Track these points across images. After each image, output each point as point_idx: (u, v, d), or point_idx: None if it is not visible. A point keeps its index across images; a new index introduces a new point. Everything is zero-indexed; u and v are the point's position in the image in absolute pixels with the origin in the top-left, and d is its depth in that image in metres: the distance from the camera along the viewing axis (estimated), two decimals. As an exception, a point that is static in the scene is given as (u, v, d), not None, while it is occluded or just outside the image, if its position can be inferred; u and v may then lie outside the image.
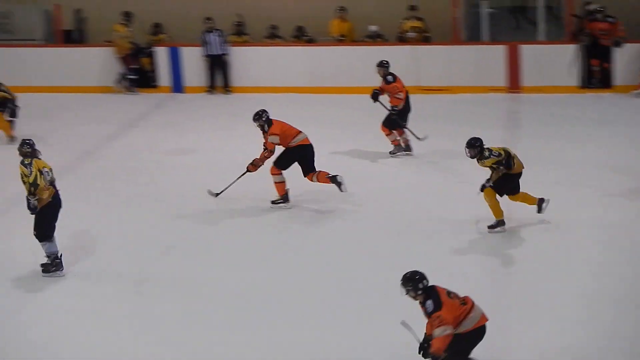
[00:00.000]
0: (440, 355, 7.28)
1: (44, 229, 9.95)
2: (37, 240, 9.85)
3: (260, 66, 17.64)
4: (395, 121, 13.47)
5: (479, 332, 7.58)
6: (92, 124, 15.89)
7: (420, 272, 7.54)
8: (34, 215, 9.81)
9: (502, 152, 10.44)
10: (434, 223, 11.00)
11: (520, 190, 10.80)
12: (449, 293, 7.49)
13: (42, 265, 10.00)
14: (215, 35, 17.59)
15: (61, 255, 10.11)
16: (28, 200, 9.71)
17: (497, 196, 10.66)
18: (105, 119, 16.21)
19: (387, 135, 13.59)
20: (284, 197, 11.75)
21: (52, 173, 9.88)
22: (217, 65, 17.66)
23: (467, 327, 7.48)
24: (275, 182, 11.72)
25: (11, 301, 9.50)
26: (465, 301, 7.48)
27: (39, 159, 9.87)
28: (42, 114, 16.26)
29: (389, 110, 13.42)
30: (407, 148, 13.71)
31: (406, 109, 13.55)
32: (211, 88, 17.71)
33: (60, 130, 15.41)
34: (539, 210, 10.86)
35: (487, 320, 7.58)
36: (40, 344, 8.59)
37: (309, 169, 11.79)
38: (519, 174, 10.73)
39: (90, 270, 10.08)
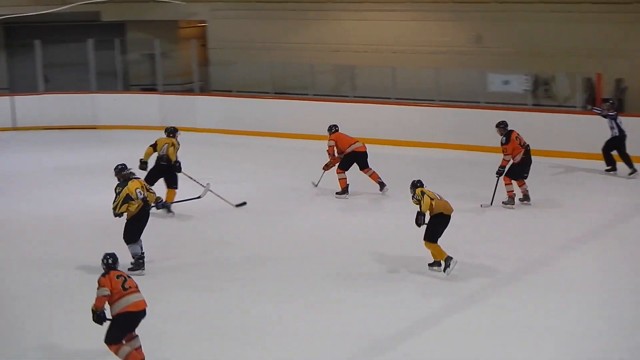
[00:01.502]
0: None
1: (130, 234, 12.73)
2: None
3: None
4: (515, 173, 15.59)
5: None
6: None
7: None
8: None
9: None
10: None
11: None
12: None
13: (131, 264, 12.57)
14: None
15: (143, 256, 12.73)
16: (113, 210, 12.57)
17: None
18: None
19: (506, 184, 15.62)
20: (345, 190, 16.59)
21: (144, 192, 12.64)
22: None
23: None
24: (339, 179, 16.62)
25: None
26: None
27: (135, 179, 12.68)
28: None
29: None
30: (525, 198, 15.85)
31: (524, 162, 15.60)
32: None
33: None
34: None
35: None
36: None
37: (364, 166, 16.69)
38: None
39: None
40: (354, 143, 16.65)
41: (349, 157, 16.58)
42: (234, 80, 24.71)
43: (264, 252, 13.68)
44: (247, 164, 19.75)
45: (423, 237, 12.56)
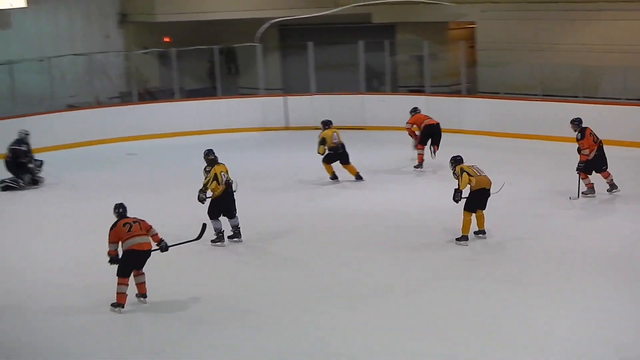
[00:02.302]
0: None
1: (212, 212, 14.75)
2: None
3: None
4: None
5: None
6: None
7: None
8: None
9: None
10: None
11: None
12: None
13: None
14: None
15: (223, 232, 14.80)
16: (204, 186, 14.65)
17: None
18: None
19: (582, 178, 16.73)
20: (421, 164, 19.39)
21: (227, 176, 14.65)
22: None
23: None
24: (418, 154, 19.54)
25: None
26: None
27: (220, 164, 14.73)
28: None
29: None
30: (612, 187, 16.96)
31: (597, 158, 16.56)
32: None
33: None
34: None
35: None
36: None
37: (435, 142, 19.49)
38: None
39: None
40: (427, 119, 19.67)
41: (424, 132, 19.47)
42: (502, 82, 24.51)
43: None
44: (511, 165, 19.63)
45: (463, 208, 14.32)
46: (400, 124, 20.67)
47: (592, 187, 16.80)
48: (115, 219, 12.36)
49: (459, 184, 14.24)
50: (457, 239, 14.46)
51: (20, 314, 12.47)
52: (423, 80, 24.98)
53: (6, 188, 19.38)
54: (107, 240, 12.27)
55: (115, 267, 12.27)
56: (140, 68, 26.72)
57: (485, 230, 14.59)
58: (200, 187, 14.81)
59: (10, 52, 24.60)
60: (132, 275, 12.38)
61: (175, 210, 17.02)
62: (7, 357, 11.27)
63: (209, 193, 14.83)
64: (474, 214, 14.40)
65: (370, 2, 25.27)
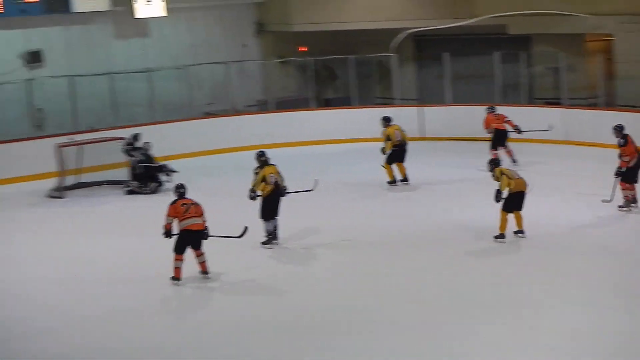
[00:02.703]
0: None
1: (263, 213, 15.21)
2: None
3: None
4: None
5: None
6: None
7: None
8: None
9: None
10: None
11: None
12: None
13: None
14: None
15: (275, 231, 15.20)
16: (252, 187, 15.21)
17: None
18: None
19: (622, 189, 16.55)
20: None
21: (277, 177, 15.13)
22: None
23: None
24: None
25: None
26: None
27: (271, 165, 15.23)
28: None
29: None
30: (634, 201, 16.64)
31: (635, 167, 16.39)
32: None
33: None
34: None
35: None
36: None
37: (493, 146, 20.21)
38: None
39: None
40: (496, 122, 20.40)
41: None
42: (641, 95, 23.95)
43: None
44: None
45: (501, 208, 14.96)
46: (535, 136, 20.42)
47: (633, 199, 16.61)
48: (175, 198, 13.77)
49: (499, 186, 14.98)
50: (494, 237, 15.11)
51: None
52: (559, 92, 24.56)
53: (130, 192, 19.87)
54: (165, 214, 13.65)
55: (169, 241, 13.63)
56: (276, 77, 26.97)
57: (524, 230, 15.18)
58: (250, 187, 15.41)
59: (149, 60, 25.16)
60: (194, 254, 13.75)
61: (305, 216, 17.08)
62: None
63: (258, 192, 15.37)
64: (510, 214, 15.07)
65: (506, 14, 24.99)
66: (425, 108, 24.94)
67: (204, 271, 13.90)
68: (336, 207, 18.06)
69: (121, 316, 12.71)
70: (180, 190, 13.90)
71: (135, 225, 17.35)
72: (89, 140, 21.03)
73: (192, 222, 13.61)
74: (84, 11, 24.06)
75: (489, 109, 20.89)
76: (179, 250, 13.66)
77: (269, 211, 15.32)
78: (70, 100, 23.05)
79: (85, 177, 20.72)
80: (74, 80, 23.17)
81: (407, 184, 19.44)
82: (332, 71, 27.00)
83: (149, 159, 20.23)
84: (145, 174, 19.99)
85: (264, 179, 15.22)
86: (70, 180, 20.43)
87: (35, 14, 23.22)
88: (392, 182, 19.43)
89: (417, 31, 26.05)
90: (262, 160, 15.50)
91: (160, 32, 25.77)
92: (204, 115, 25.25)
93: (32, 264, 15.33)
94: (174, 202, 13.71)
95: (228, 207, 17.45)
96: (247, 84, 26.90)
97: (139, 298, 13.45)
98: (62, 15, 23.77)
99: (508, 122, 20.59)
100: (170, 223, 13.65)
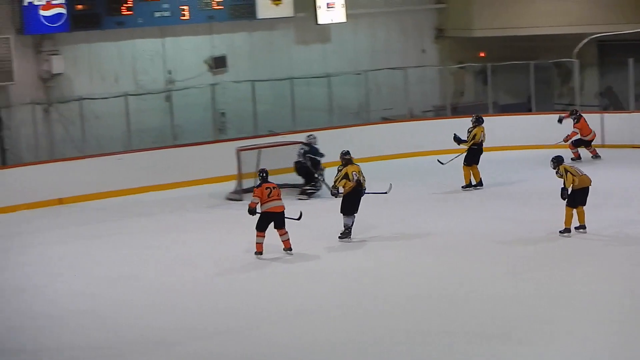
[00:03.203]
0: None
1: (344, 208, 16.51)
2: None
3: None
4: None
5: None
6: None
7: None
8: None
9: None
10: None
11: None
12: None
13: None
14: None
15: (352, 227, 16.39)
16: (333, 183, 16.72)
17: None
18: None
19: None
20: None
21: (359, 176, 16.39)
22: None
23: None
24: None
25: None
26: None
27: (354, 164, 16.49)
28: None
29: None
30: None
31: None
32: None
33: None
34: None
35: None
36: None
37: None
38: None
39: None
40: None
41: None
42: None
43: None
44: None
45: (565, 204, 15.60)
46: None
47: None
48: (259, 182, 15.76)
49: (564, 183, 15.59)
50: (560, 232, 15.85)
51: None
52: None
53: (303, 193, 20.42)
54: (252, 195, 15.69)
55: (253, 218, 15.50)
56: (454, 82, 26.85)
57: (585, 225, 15.87)
58: (332, 184, 16.88)
59: (329, 65, 25.50)
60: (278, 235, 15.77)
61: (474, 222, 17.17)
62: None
63: (341, 189, 16.61)
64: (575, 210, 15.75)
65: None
66: (607, 114, 24.34)
67: (287, 247, 15.84)
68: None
69: (301, 316, 12.97)
70: (262, 174, 15.94)
71: (305, 227, 17.69)
72: (268, 144, 21.52)
73: (274, 205, 15.67)
74: (268, 17, 24.59)
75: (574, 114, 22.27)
76: (261, 228, 15.72)
77: (350, 207, 16.55)
78: (251, 104, 23.66)
79: (263, 180, 21.19)
80: (256, 84, 23.76)
81: (480, 188, 20.01)
82: (508, 77, 26.65)
83: (316, 154, 20.67)
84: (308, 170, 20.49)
85: (346, 176, 16.47)
86: (248, 183, 20.96)
87: (220, 20, 23.88)
88: (468, 185, 20.02)
89: (600, 36, 25.42)
90: (346, 159, 16.69)
91: (340, 37, 26.05)
92: (381, 120, 25.40)
93: (205, 264, 15.78)
94: (259, 185, 15.74)
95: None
96: (425, 89, 26.91)
97: (316, 298, 13.72)
98: (246, 21, 24.34)
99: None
100: (256, 203, 15.55)
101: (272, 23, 24.95)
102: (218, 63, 24.33)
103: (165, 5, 22.77)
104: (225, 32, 24.41)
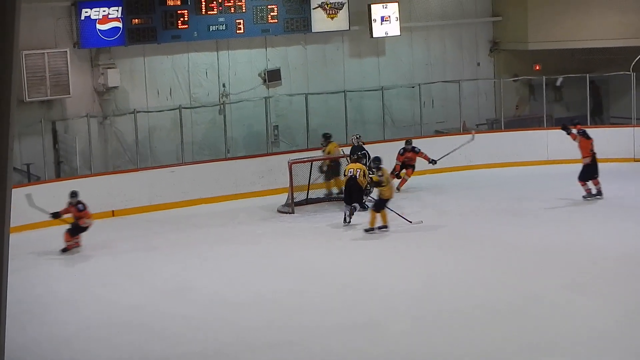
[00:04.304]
0: None
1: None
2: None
3: None
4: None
5: None
6: None
7: None
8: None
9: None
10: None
11: None
12: None
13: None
14: None
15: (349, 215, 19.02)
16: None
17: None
18: None
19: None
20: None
21: (354, 171, 19.10)
22: None
23: None
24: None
25: None
26: None
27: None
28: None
29: None
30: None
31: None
32: None
33: None
34: None
35: None
36: None
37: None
38: None
39: None
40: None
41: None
42: None
43: None
44: None
45: None
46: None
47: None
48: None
49: None
50: None
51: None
52: None
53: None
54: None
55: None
56: (508, 95, 26.71)
57: None
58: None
59: (383, 78, 25.52)
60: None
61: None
62: None
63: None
64: None
65: None
66: (638, 129, 24.07)
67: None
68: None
69: (358, 329, 13.03)
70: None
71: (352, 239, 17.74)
72: (319, 158, 21.61)
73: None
74: (323, 31, 24.67)
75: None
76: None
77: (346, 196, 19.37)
78: (305, 117, 23.76)
79: (315, 194, 21.35)
80: (309, 97, 23.85)
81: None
82: (559, 90, 26.46)
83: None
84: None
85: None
86: (301, 196, 21.07)
87: (275, 33, 24.02)
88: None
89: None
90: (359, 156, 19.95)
91: (394, 50, 26.04)
92: (435, 134, 25.37)
93: (257, 276, 15.94)
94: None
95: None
96: (479, 102, 26.79)
97: (376, 310, 13.79)
98: (301, 34, 24.46)
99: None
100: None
101: (327, 36, 25.04)
102: (272, 76, 24.46)
103: (221, 19, 22.96)
104: (279, 46, 24.54)
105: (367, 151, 20.95)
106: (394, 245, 17.43)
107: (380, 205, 18.28)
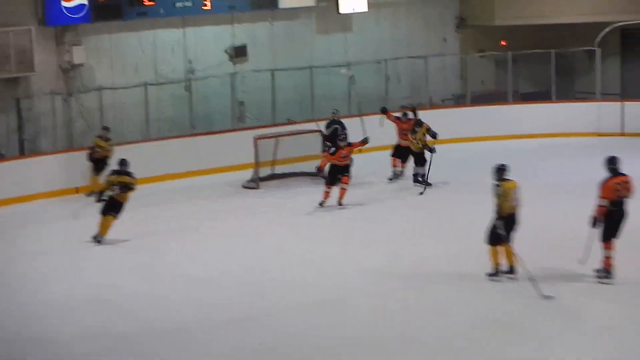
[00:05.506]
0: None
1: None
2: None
3: None
4: None
5: None
6: None
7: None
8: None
9: None
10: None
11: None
12: None
13: None
14: None
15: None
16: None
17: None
18: None
19: None
20: None
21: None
22: None
23: None
24: None
25: None
26: None
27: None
28: None
29: None
30: None
31: None
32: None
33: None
34: None
35: None
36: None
37: None
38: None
39: None
40: None
41: None
42: None
43: None
44: None
45: None
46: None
47: None
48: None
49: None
50: None
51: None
52: None
53: None
54: None
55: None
56: (475, 71, 26.81)
57: None
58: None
59: (350, 55, 25.55)
60: None
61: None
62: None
63: None
64: None
65: None
66: (628, 103, 24.23)
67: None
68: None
69: (322, 306, 13.01)
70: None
71: (320, 216, 17.80)
72: (286, 133, 21.66)
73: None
74: (290, 7, 24.65)
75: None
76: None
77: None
78: (271, 93, 23.77)
79: (281, 169, 21.38)
80: (275, 74, 23.86)
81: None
82: (529, 66, 26.60)
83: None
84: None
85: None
86: (266, 171, 21.12)
87: (242, 10, 23.97)
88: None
89: (623, 25, 25.24)
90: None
91: (361, 26, 26.07)
92: (401, 109, 25.39)
93: (222, 253, 15.91)
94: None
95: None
96: (445, 78, 26.90)
97: (340, 287, 13.78)
98: (268, 11, 24.42)
99: None
100: None
101: (294, 13, 25.01)
102: (238, 52, 24.43)
103: (187, -4, 22.95)
104: (246, 22, 24.51)
105: (340, 126, 21.02)
106: (358, 221, 17.48)
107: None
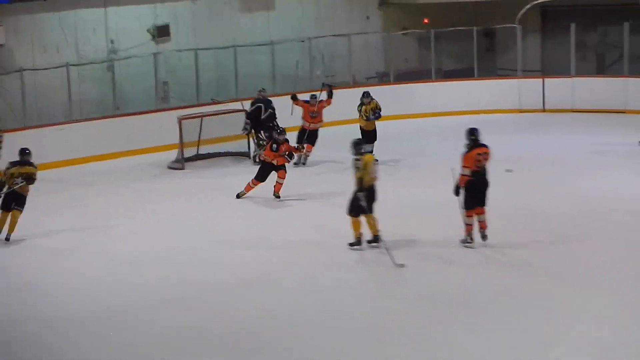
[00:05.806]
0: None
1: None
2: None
3: None
4: None
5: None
6: None
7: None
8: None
9: None
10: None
11: None
12: None
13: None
14: None
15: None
16: None
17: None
18: None
19: None
20: None
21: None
22: None
23: None
24: None
25: None
26: None
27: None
28: None
29: None
30: None
31: None
32: None
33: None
34: None
35: None
36: None
37: None
38: None
39: None
40: None
41: None
42: None
43: None
44: None
45: None
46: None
47: None
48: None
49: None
50: None
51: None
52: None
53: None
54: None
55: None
56: (398, 49, 26.96)
57: None
58: None
59: (273, 33, 25.51)
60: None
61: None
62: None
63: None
64: None
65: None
66: (548, 80, 24.62)
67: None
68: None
69: (251, 284, 12.99)
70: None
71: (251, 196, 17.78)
72: (210, 113, 21.57)
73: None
74: (211, -16, 24.56)
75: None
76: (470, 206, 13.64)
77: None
78: (194, 73, 23.65)
79: (206, 149, 21.31)
80: (199, 53, 23.74)
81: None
82: (451, 43, 26.87)
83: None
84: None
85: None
86: (191, 152, 21.03)
87: (164, -12, 23.83)
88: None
89: (543, 2, 25.59)
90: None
91: (284, 5, 26.07)
92: (324, 88, 25.44)
93: (150, 234, 15.79)
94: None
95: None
96: (368, 56, 27.00)
97: (268, 264, 13.80)
98: (190, -11, 24.33)
99: None
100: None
101: (216, -9, 24.92)
102: (161, 32, 24.26)
103: (108, -26, 22.72)
104: (168, 1, 24.32)
105: (264, 105, 20.77)
106: (283, 197, 17.50)
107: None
